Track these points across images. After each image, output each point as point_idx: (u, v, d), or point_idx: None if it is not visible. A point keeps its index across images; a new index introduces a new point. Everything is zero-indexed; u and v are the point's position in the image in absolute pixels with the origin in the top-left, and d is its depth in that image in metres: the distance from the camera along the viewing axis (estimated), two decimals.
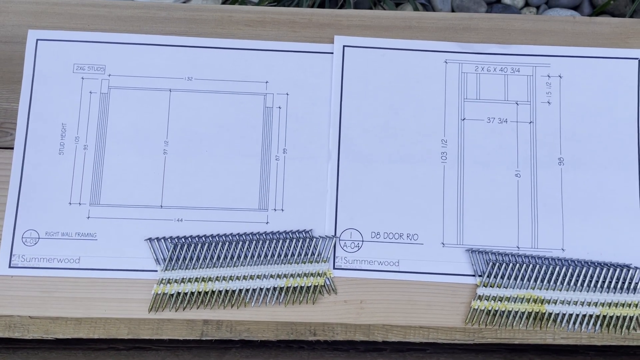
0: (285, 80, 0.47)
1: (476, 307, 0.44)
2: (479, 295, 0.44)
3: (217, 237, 0.45)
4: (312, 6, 0.67)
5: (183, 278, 0.43)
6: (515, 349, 0.58)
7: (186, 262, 0.44)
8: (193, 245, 0.44)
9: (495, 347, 0.58)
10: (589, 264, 0.45)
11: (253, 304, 0.44)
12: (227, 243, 0.44)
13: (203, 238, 0.44)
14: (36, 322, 0.51)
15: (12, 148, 0.45)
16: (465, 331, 0.54)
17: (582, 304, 0.44)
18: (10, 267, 0.43)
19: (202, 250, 0.44)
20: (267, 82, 0.47)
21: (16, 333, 0.51)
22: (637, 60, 0.48)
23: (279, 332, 0.53)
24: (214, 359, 0.50)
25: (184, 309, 0.44)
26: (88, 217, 0.45)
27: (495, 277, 0.44)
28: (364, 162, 0.46)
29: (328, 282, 0.44)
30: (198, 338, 0.53)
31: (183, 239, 0.44)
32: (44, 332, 0.51)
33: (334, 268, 0.45)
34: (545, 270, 0.44)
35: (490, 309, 0.44)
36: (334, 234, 0.45)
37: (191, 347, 0.55)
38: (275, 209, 0.45)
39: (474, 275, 0.45)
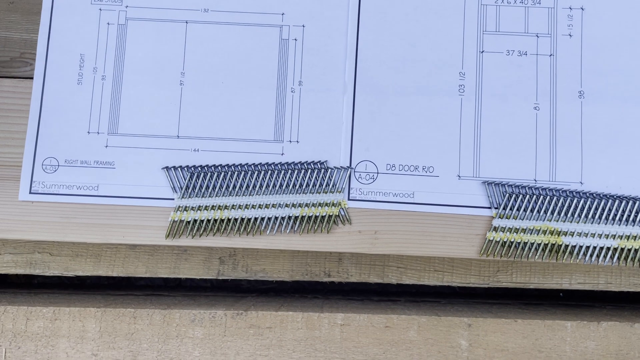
0: (302, 12, 0.47)
1: (491, 239, 0.44)
2: (495, 227, 0.44)
3: (232, 167, 0.45)
4: None
5: (200, 206, 0.44)
6: (530, 303, 0.57)
7: (202, 191, 0.44)
8: (209, 174, 0.44)
9: (509, 300, 0.58)
10: (608, 196, 0.44)
11: (268, 231, 0.44)
12: (243, 173, 0.44)
13: (219, 168, 0.45)
14: (56, 259, 0.52)
15: (32, 78, 0.46)
16: (480, 274, 0.54)
17: (600, 236, 0.44)
18: (30, 192, 0.44)
19: (219, 179, 0.44)
20: (283, 13, 0.47)
21: (37, 270, 0.52)
22: None
23: (294, 272, 0.54)
24: (230, 304, 0.50)
25: (200, 236, 0.44)
26: (106, 146, 0.45)
27: (511, 209, 0.44)
28: (380, 94, 0.46)
29: (343, 213, 0.45)
30: (214, 277, 0.54)
31: (199, 168, 0.45)
32: (64, 269, 0.52)
33: (349, 199, 0.45)
34: (562, 203, 0.44)
35: (505, 240, 0.44)
36: (349, 166, 0.45)
37: (208, 295, 0.56)
38: (290, 141, 0.46)
39: (489, 208, 0.45)
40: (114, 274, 0.53)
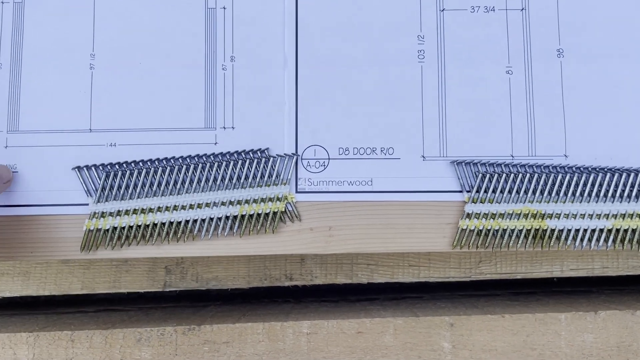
0: None
1: (464, 227, 0.38)
2: (468, 214, 0.38)
3: (157, 163, 0.38)
4: None
5: (119, 210, 0.37)
6: (521, 292, 0.52)
7: (121, 192, 0.37)
8: (129, 172, 0.37)
9: (498, 290, 0.52)
10: (597, 170, 0.38)
11: (202, 236, 0.38)
12: (169, 168, 0.37)
13: (140, 164, 0.38)
14: None
15: None
16: (460, 267, 0.48)
17: (591, 216, 0.37)
18: None
19: (140, 177, 0.37)
20: None
21: None
22: None
23: (251, 278, 0.48)
24: (187, 317, 0.44)
25: (121, 247, 0.37)
26: (6, 147, 0.38)
27: (485, 191, 0.38)
28: (326, 66, 0.39)
29: (290, 208, 0.38)
30: (161, 289, 0.48)
31: (117, 166, 0.38)
32: None
33: (297, 191, 0.38)
34: (545, 181, 0.38)
35: (481, 228, 0.37)
36: (294, 152, 0.38)
37: (166, 307, 0.50)
38: (224, 127, 0.39)
39: (461, 191, 0.38)
40: (46, 293, 0.47)
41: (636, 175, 0.38)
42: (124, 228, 0.37)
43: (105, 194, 0.37)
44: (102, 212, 0.37)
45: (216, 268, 0.47)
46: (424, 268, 0.48)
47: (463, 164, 0.38)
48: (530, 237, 0.38)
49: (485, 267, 0.48)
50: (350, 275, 0.48)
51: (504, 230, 0.38)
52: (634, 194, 0.38)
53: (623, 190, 0.38)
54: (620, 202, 0.37)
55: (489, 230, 0.38)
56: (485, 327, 0.40)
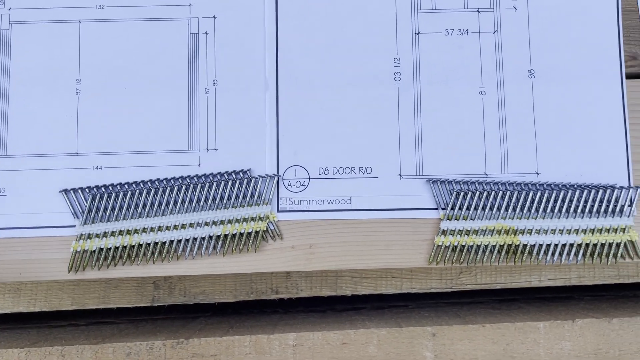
0: (212, 2, 0.41)
1: (440, 244, 0.39)
2: (443, 230, 0.39)
3: (142, 185, 0.39)
4: None
5: (105, 232, 0.38)
6: (504, 299, 0.53)
7: (107, 214, 0.38)
8: (114, 194, 0.38)
9: (482, 298, 0.53)
10: (567, 187, 0.39)
11: (187, 256, 0.39)
12: (153, 190, 0.39)
13: (126, 186, 0.39)
14: None
15: None
16: (442, 278, 0.49)
17: (562, 232, 0.39)
18: None
19: (125, 199, 0.38)
20: (190, 4, 0.41)
21: None
22: None
23: (238, 292, 0.49)
24: (177, 329, 0.45)
25: (108, 267, 0.38)
26: None
27: (460, 208, 0.39)
28: (306, 88, 0.41)
29: (272, 227, 0.39)
30: (149, 304, 0.48)
31: (103, 189, 0.39)
32: None
33: (278, 211, 0.40)
34: (517, 197, 0.39)
35: (456, 244, 0.39)
36: (275, 173, 0.40)
37: (156, 320, 0.50)
38: (207, 149, 0.40)
39: (436, 209, 0.40)
40: (37, 309, 0.48)
41: (604, 191, 0.39)
42: (110, 249, 0.38)
43: (92, 216, 0.38)
44: (89, 234, 0.38)
45: (203, 283, 0.48)
46: (406, 280, 0.49)
47: (438, 182, 0.40)
48: (503, 252, 0.39)
49: (465, 278, 0.49)
50: (334, 287, 0.49)
51: (478, 246, 0.39)
52: (602, 209, 0.39)
53: (592, 206, 0.39)
54: (590, 217, 0.39)
55: (463, 246, 0.39)
56: (466, 337, 0.41)
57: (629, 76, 0.41)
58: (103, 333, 0.45)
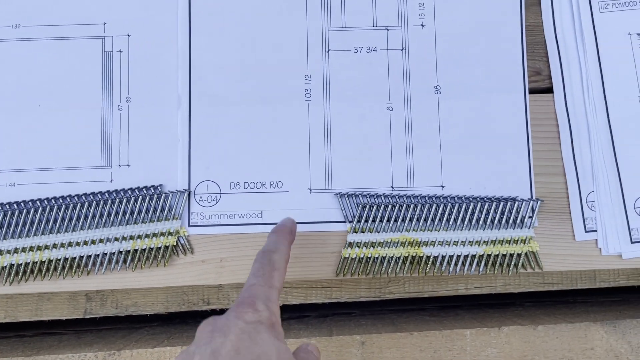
0: (126, 20, 0.42)
1: (347, 256, 0.40)
2: (350, 243, 0.40)
3: (54, 201, 0.40)
4: None
5: (16, 248, 0.39)
6: (446, 305, 0.54)
7: (18, 230, 0.39)
8: (25, 210, 0.39)
9: (425, 305, 0.54)
10: (470, 199, 0.41)
11: (96, 271, 0.39)
12: (64, 206, 0.39)
13: (38, 202, 0.40)
14: None
15: None
16: (370, 287, 0.50)
17: (464, 243, 0.40)
18: None
19: (37, 215, 0.39)
20: (104, 23, 0.42)
21: None
22: None
23: (170, 304, 0.49)
24: (117, 340, 0.45)
25: (19, 282, 0.39)
26: None
27: (366, 221, 0.40)
28: (219, 105, 0.41)
29: (182, 241, 0.40)
30: (81, 317, 0.49)
31: (15, 205, 0.39)
32: None
33: (190, 225, 0.40)
34: (421, 210, 0.40)
35: (362, 256, 0.40)
36: (186, 188, 0.40)
37: (100, 330, 0.51)
38: (120, 165, 0.41)
39: (344, 222, 0.41)
40: None
41: (506, 203, 0.40)
42: (21, 264, 0.39)
43: (3, 232, 0.39)
44: (0, 250, 0.39)
45: (135, 295, 0.48)
46: (336, 289, 0.50)
47: (346, 195, 0.41)
48: (408, 263, 0.40)
49: (394, 287, 0.50)
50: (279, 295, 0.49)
51: (384, 258, 0.40)
52: (503, 221, 0.40)
53: (494, 218, 0.40)
54: (492, 229, 0.40)
55: (369, 258, 0.40)
56: (394, 345, 0.42)
57: (533, 91, 0.43)
58: (39, 344, 0.46)
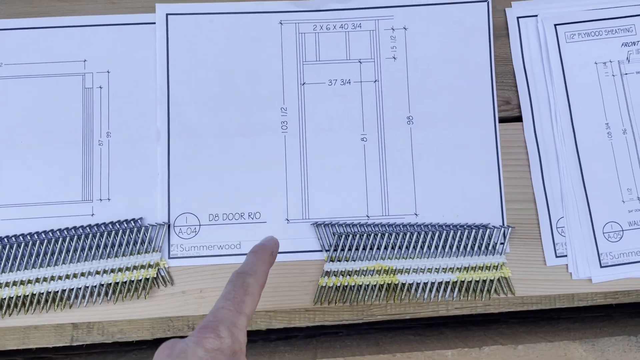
0: (105, 57, 0.43)
1: (324, 284, 0.41)
2: (327, 272, 0.41)
3: (36, 235, 0.40)
4: None
5: None
6: (432, 323, 0.54)
7: (2, 265, 0.40)
8: (9, 245, 0.40)
9: (411, 324, 0.55)
10: (443, 227, 0.42)
11: (78, 305, 0.40)
12: (46, 241, 0.40)
13: (21, 237, 0.40)
14: None
15: None
16: (353, 310, 0.51)
17: (437, 270, 0.41)
18: None
19: (19, 250, 0.40)
20: (85, 60, 0.43)
21: None
22: (486, 3, 0.44)
23: (155, 330, 0.50)
24: None
25: (2, 317, 0.40)
26: None
27: (342, 250, 0.41)
28: (197, 138, 0.42)
29: (162, 273, 0.41)
30: (68, 344, 0.49)
31: None
32: None
33: (170, 257, 0.41)
34: (396, 238, 0.41)
35: (339, 284, 0.41)
36: (166, 221, 0.41)
37: (90, 353, 0.51)
38: (100, 199, 0.42)
39: (322, 251, 0.42)
40: None
41: (478, 230, 0.41)
42: (4, 299, 0.39)
43: None
44: None
45: (121, 322, 0.49)
46: (319, 313, 0.50)
47: (323, 225, 0.42)
48: (383, 290, 0.41)
49: (376, 310, 0.51)
50: (250, 322, 0.50)
51: (360, 286, 0.41)
52: (475, 248, 0.41)
53: (466, 245, 0.41)
54: (464, 256, 0.41)
55: (346, 286, 0.41)
56: None
57: (503, 120, 0.44)
58: None
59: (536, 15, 0.44)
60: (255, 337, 0.53)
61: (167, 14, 0.44)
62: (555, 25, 0.44)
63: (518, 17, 0.45)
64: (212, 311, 0.30)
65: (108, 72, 0.43)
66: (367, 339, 0.50)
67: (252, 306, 0.31)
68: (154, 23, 0.44)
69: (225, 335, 0.28)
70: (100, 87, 0.43)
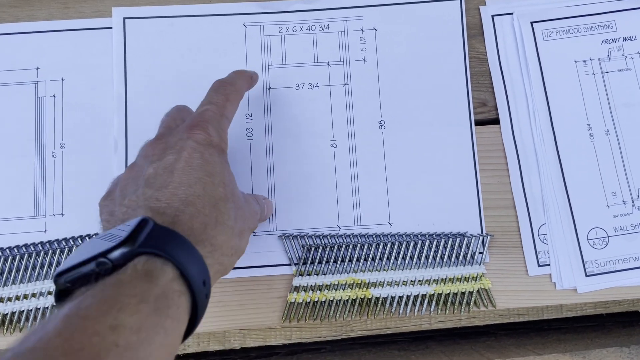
0: (59, 64, 0.41)
1: (292, 301, 0.38)
2: (296, 287, 0.38)
3: None
4: None
5: None
6: (418, 337, 0.52)
7: None
8: None
9: (395, 338, 0.53)
10: (419, 236, 0.39)
11: (29, 326, 0.37)
12: None
13: None
14: None
15: None
16: (331, 326, 0.49)
17: (413, 283, 0.39)
18: None
19: None
20: (37, 68, 0.41)
21: None
22: (458, 1, 0.42)
23: None
24: None
25: None
26: None
27: (312, 263, 0.39)
28: None
29: None
30: None
31: None
32: None
33: None
34: (368, 249, 0.39)
35: (308, 300, 0.38)
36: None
37: None
38: (54, 214, 0.39)
39: (290, 265, 0.39)
40: None
41: (455, 239, 0.39)
42: None
43: None
44: None
45: None
46: (296, 329, 0.48)
47: (290, 237, 0.39)
48: (356, 305, 0.39)
49: (355, 325, 0.48)
50: (222, 341, 0.48)
51: (331, 301, 0.38)
52: (453, 258, 0.39)
53: (443, 255, 0.39)
54: (441, 267, 0.39)
55: (316, 302, 0.38)
56: None
57: (479, 122, 0.42)
58: None
59: (511, 13, 0.43)
60: (235, 356, 0.50)
61: (124, 18, 0.41)
62: (531, 23, 0.42)
63: (493, 15, 0.43)
64: (196, 113, 0.32)
65: (62, 79, 0.41)
66: (349, 355, 0.48)
67: (233, 112, 0.34)
68: (111, 28, 0.41)
69: (213, 133, 0.31)
70: (54, 96, 0.40)
